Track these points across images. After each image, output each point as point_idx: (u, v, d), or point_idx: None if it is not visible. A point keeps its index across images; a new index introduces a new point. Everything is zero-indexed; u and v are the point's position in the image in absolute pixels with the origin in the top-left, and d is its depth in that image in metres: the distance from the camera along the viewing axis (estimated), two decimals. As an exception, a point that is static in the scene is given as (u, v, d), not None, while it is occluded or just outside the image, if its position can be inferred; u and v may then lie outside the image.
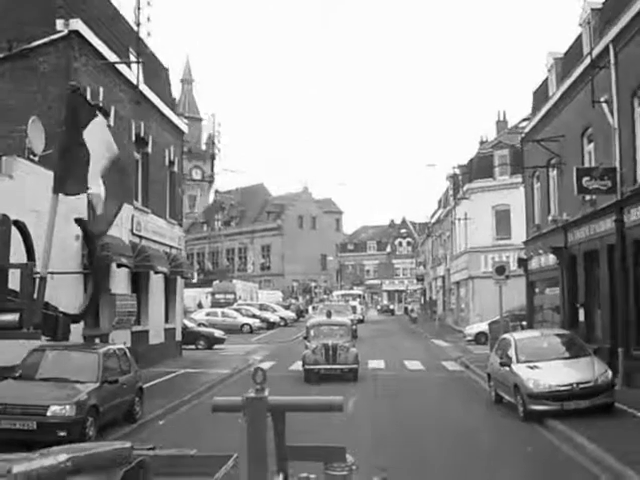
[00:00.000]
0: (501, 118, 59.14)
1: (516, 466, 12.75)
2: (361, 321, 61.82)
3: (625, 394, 18.22)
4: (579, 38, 25.25)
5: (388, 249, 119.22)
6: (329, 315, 30.68)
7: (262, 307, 64.31)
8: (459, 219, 53.98)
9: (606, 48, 21.44)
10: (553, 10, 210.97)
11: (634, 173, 20.01)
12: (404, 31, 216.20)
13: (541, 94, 31.25)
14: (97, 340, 21.19)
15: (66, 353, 15.46)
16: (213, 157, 73.30)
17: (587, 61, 22.52)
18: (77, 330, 20.46)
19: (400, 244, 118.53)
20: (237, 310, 57.08)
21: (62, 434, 12.71)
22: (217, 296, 67.70)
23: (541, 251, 29.60)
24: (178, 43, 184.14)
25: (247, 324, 53.48)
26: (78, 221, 3.90)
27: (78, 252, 21.29)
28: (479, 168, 51.11)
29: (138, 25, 22.37)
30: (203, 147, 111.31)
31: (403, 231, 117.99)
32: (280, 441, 3.62)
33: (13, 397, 13.28)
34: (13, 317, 3.13)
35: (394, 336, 50.91)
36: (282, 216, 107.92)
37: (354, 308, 60.83)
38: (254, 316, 57.43)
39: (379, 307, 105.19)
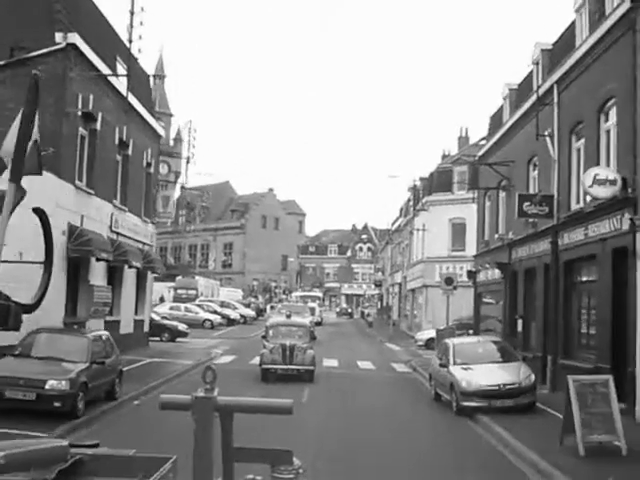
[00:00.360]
0: (463, 134, 61.82)
1: (443, 451, 15.04)
2: (319, 324, 63.34)
3: (549, 397, 20.70)
4: (530, 74, 27.74)
5: (349, 253, 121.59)
6: (289, 316, 31.03)
7: (223, 304, 66.19)
8: (417, 229, 56.43)
9: (551, 88, 23.94)
10: (518, 36, 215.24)
11: (568, 201, 22.47)
12: (374, 44, 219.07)
13: (497, 119, 33.76)
14: (75, 327, 23.06)
15: (59, 336, 17.62)
16: (187, 161, 74.60)
17: (535, 97, 24.99)
18: (58, 318, 22.46)
19: (361, 249, 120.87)
20: (199, 306, 58.87)
21: (57, 405, 14.93)
22: (179, 291, 69.19)
23: (488, 265, 32.09)
24: (153, 36, 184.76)
25: (209, 320, 55.37)
26: (35, 210, 3.90)
27: (63, 245, 23.33)
28: (439, 182, 53.64)
29: (130, 42, 24.29)
30: (171, 143, 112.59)
31: (364, 237, 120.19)
32: (227, 442, 3.62)
33: (15, 371, 15.28)
34: None
35: (350, 338, 53.14)
36: (246, 215, 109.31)
37: (313, 310, 62.40)
38: (215, 312, 59.32)
39: (338, 310, 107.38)
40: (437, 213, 52.26)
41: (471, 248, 42.21)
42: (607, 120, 20.11)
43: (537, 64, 26.23)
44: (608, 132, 20.04)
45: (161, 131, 36.08)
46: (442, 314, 37.87)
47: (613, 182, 17.73)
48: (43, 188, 20.39)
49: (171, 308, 54.64)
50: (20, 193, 3.62)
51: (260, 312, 73.46)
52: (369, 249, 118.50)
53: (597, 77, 20.56)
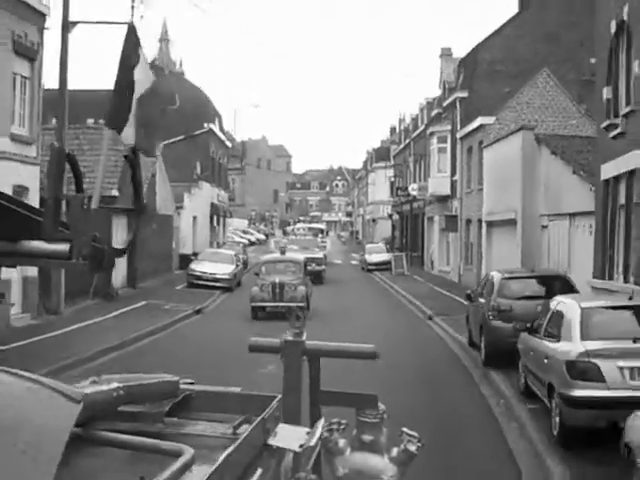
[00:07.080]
0: (401, 117, 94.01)
1: (359, 279, 48.72)
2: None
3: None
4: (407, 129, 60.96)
5: (327, 189, 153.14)
6: (283, 252, 31.24)
7: (244, 232, 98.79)
8: (369, 183, 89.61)
9: (408, 143, 57.08)
10: None
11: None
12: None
13: (406, 132, 66.87)
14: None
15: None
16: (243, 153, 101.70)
17: (405, 143, 58.27)
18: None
19: (337, 185, 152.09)
20: (233, 234, 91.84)
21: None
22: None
23: (394, 212, 65.80)
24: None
25: (241, 242, 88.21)
26: (126, 157, 3.37)
27: (208, 212, 56.34)
28: (381, 153, 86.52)
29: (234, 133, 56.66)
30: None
31: (339, 177, 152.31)
32: (314, 385, 3.78)
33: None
34: (64, 247, 2.91)
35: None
36: (245, 159, 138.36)
37: (324, 246, 56.08)
38: (241, 237, 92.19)
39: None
40: (380, 174, 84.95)
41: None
42: (431, 160, 53.20)
43: (392, 132, 59.36)
44: (432, 163, 53.22)
45: (229, 144, 68.74)
46: (380, 235, 71.24)
47: (419, 189, 50.88)
48: (207, 191, 53.86)
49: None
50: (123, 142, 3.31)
51: (267, 236, 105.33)
52: (343, 185, 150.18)
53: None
